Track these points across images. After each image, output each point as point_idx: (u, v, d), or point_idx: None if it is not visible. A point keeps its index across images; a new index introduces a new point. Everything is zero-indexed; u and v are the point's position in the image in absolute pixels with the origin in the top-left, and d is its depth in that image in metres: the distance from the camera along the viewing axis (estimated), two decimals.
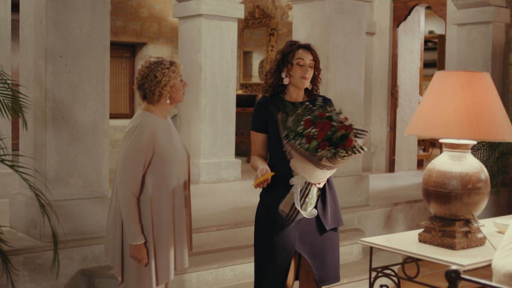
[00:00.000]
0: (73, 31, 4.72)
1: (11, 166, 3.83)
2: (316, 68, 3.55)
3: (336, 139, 3.06)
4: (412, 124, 3.46)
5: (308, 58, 3.50)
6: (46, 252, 4.55)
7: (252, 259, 5.15)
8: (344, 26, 6.29)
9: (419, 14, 9.62)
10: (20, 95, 4.15)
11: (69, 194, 4.73)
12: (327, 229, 3.54)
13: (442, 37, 14.01)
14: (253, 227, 5.53)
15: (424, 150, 10.89)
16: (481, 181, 3.36)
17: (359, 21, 6.41)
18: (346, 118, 3.16)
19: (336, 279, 3.59)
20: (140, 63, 3.46)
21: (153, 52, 12.20)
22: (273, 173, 3.35)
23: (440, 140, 3.48)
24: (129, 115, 12.04)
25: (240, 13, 7.94)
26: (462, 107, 3.26)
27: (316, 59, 3.54)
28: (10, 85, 4.15)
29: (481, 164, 3.44)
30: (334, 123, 3.09)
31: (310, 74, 3.51)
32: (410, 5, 9.23)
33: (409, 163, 9.62)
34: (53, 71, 4.64)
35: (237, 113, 8.30)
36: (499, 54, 7.79)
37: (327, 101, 3.51)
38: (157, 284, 3.46)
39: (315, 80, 3.59)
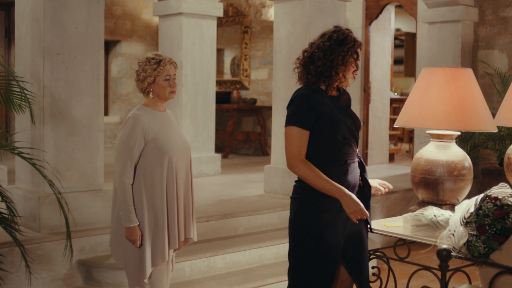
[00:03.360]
0: (70, 29, 4.88)
1: (29, 160, 3.98)
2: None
3: None
4: (401, 117, 3.72)
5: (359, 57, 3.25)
6: (46, 243, 4.70)
7: (242, 248, 5.41)
8: (324, 25, 6.46)
9: (390, 13, 9.92)
10: (28, 92, 4.31)
11: (66, 187, 4.87)
12: (371, 230, 3.45)
13: (409, 35, 14.42)
14: (240, 218, 5.83)
15: (394, 144, 11.24)
16: (465, 168, 3.65)
17: (338, 20, 6.66)
18: None
19: (368, 283, 3.39)
20: None
21: (126, 49, 12.31)
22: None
23: (427, 131, 3.75)
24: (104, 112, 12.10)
25: (220, 12, 8.13)
26: (448, 100, 3.54)
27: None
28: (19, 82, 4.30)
29: (464, 153, 3.73)
30: None
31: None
32: (382, 4, 9.52)
33: (381, 156, 9.92)
34: (50, 69, 4.80)
35: None
36: (468, 51, 8.12)
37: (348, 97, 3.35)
38: (153, 265, 3.62)
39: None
